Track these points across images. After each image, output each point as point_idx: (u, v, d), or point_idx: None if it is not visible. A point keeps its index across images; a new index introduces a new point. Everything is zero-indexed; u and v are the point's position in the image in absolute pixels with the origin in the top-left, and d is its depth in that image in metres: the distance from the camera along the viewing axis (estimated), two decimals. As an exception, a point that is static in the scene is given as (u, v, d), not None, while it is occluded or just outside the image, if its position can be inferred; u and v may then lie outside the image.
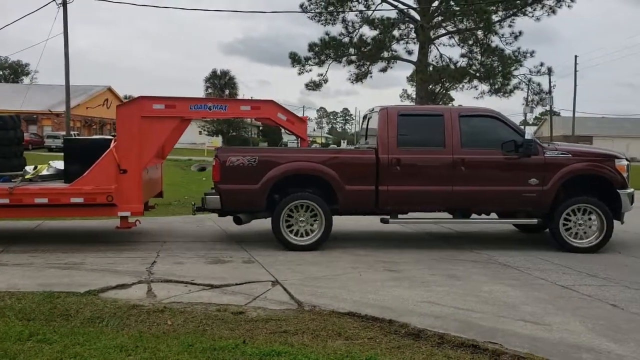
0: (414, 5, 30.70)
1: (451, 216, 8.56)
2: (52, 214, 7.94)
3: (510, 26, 29.60)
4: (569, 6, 27.82)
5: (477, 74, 31.11)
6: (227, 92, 62.14)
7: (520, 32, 29.72)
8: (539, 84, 33.24)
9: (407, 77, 46.79)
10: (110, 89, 61.64)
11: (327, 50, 30.83)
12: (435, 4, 30.02)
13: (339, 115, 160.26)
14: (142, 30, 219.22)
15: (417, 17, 30.54)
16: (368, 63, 32.16)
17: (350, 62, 31.81)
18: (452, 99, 53.18)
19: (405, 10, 30.90)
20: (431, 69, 30.76)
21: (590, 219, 8.02)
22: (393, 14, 30.92)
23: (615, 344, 4.32)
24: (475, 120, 8.28)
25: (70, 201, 7.26)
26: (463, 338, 4.33)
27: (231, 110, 8.40)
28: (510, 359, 3.96)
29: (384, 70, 32.72)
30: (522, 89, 32.90)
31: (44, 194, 7.26)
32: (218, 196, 7.81)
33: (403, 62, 32.32)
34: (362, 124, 9.71)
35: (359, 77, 32.28)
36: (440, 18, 30.52)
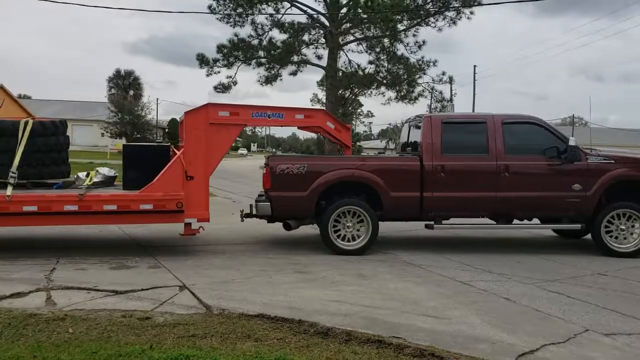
0: (323, 11, 31.20)
1: (494, 222, 8.65)
2: (117, 222, 7.66)
3: (414, 35, 30.79)
4: (468, 18, 29.31)
5: (384, 81, 32.09)
6: (131, 92, 60.03)
7: (424, 42, 31.00)
8: (441, 92, 34.82)
9: (318, 82, 47.34)
10: (2, 87, 57.60)
11: (236, 52, 30.60)
12: (344, 11, 30.67)
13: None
14: (40, 27, 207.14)
15: (327, 23, 31.06)
16: (278, 66, 32.25)
17: (259, 65, 31.76)
18: (361, 105, 54.62)
19: (315, 15, 31.33)
20: (340, 74, 31.35)
21: (633, 225, 8.15)
22: (303, 18, 31.30)
23: (507, 334, 4.63)
24: (518, 127, 8.45)
25: (139, 208, 7.14)
26: (369, 334, 4.47)
27: (287, 119, 8.36)
28: (412, 351, 4.14)
29: (293, 73, 32.95)
30: (425, 97, 34.35)
31: (114, 201, 7.11)
32: (268, 203, 7.95)
33: (313, 66, 32.71)
34: (402, 131, 9.91)
35: (269, 80, 32.30)
36: (348, 25, 31.20)
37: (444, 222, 8.39)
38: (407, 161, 8.44)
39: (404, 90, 32.28)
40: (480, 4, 28.92)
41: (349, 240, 8.01)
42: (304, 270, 6.83)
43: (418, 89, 32.78)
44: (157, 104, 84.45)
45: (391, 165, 8.39)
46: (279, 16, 30.52)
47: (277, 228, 8.80)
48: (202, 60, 30.27)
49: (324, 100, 50.21)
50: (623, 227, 8.15)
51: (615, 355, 4.24)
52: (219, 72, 31.08)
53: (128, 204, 7.14)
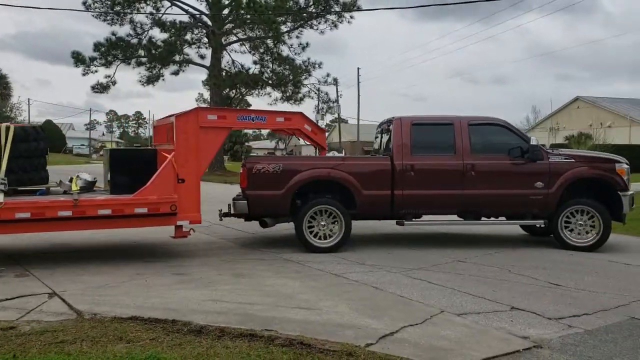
0: (206, 11, 30.88)
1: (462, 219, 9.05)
2: (111, 226, 7.42)
3: (298, 37, 31.41)
4: (349, 22, 30.38)
5: (270, 81, 32.39)
6: (-2, 92, 55.48)
7: (307, 44, 31.75)
8: (327, 93, 35.82)
9: (203, 81, 46.60)
10: None
11: (114, 51, 29.48)
12: (226, 11, 30.56)
13: (131, 118, 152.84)
14: None
15: (209, 22, 30.77)
16: (159, 66, 31.48)
17: (140, 64, 30.83)
18: (248, 104, 54.50)
19: (198, 15, 30.91)
20: (225, 74, 31.19)
21: (592, 221, 8.50)
22: (185, 17, 30.75)
23: (372, 320, 5.00)
24: (483, 128, 8.81)
25: (134, 212, 7.10)
26: (242, 329, 4.63)
27: (269, 122, 8.59)
28: (282, 342, 4.35)
29: (175, 73, 32.32)
30: (312, 98, 35.10)
31: (108, 205, 7.04)
32: (245, 201, 8.23)
33: (197, 66, 32.25)
34: (376, 133, 10.11)
35: (151, 80, 31.46)
36: (231, 25, 31.14)
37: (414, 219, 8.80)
38: (378, 161, 8.80)
39: (290, 91, 32.79)
40: (359, 9, 30.04)
41: (322, 238, 8.31)
42: (181, 272, 6.85)
43: (304, 90, 33.46)
44: (28, 104, 78.60)
45: (363, 165, 8.70)
46: (160, 15, 29.81)
47: (157, 231, 8.70)
48: (78, 59, 28.84)
49: (210, 100, 49.55)
50: (581, 223, 8.58)
51: (464, 332, 4.73)
52: (96, 71, 29.83)
53: (122, 208, 7.10)
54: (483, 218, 9.10)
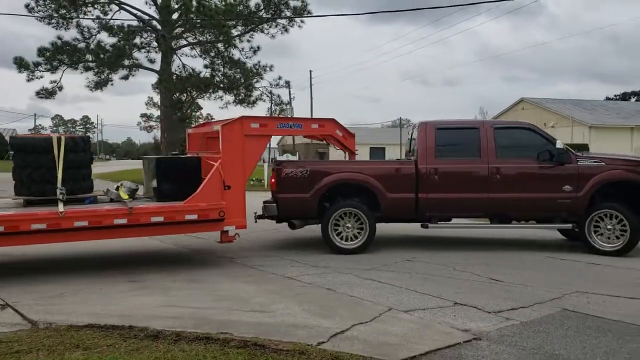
0: (155, 15, 30.52)
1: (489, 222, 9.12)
2: (163, 232, 7.74)
3: (249, 41, 31.35)
4: (299, 26, 30.57)
5: (221, 85, 32.24)
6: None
7: (258, 47, 31.66)
8: (279, 96, 35.87)
9: (153, 85, 45.94)
10: None
11: (60, 56, 28.73)
12: (176, 15, 30.29)
13: (78, 123, 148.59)
14: None
15: (159, 26, 30.42)
16: (108, 70, 30.88)
17: (88, 69, 30.14)
18: (200, 107, 54.16)
19: (147, 19, 30.52)
20: (175, 78, 30.88)
21: (622, 225, 8.35)
22: (133, 21, 30.29)
23: (324, 320, 5.22)
24: (510, 131, 8.92)
25: (185, 218, 7.31)
26: (198, 333, 4.78)
27: (305, 128, 8.87)
28: (237, 343, 4.53)
29: (125, 78, 31.73)
30: (265, 100, 35.12)
31: (161, 213, 7.24)
32: (275, 204, 8.64)
33: (146, 70, 31.82)
34: (408, 137, 10.19)
35: (99, 85, 30.78)
36: (181, 29, 30.87)
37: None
38: (402, 165, 9.03)
39: (242, 94, 32.72)
40: (310, 14, 30.30)
41: (347, 240, 8.57)
42: (137, 280, 6.91)
43: (256, 93, 33.41)
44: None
45: (388, 169, 8.97)
46: (107, 19, 29.27)
47: (117, 241, 8.69)
48: (21, 64, 27.94)
49: (160, 105, 48.89)
50: (610, 227, 8.47)
51: (410, 327, 5.02)
52: (41, 76, 28.93)
53: (174, 215, 7.30)
54: (513, 222, 9.14)
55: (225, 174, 7.66)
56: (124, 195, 7.69)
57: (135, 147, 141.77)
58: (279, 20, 30.78)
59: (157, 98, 58.84)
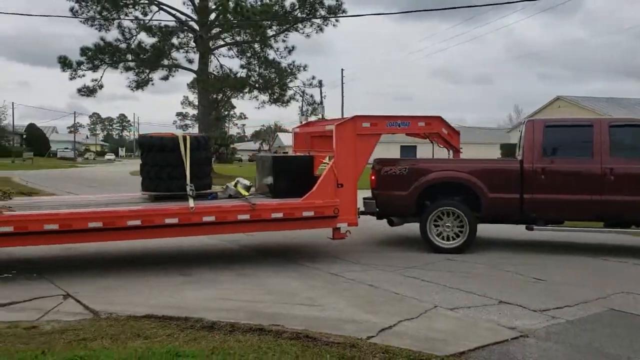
0: (193, 16, 31.08)
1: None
2: (280, 228, 7.98)
3: (284, 41, 31.70)
4: (334, 25, 30.74)
5: (257, 85, 32.65)
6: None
7: (293, 47, 32.02)
8: (311, 95, 36.12)
9: (188, 84, 46.78)
10: None
11: (101, 55, 29.55)
12: (213, 16, 30.78)
13: (115, 121, 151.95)
14: None
15: (196, 27, 30.98)
16: (148, 70, 31.62)
17: (128, 69, 30.92)
18: (233, 107, 54.91)
19: (185, 20, 31.11)
20: (212, 78, 31.40)
21: None
22: (172, 22, 30.90)
23: (370, 315, 5.36)
24: (627, 129, 8.57)
25: (302, 215, 7.61)
26: (251, 324, 4.97)
27: (412, 126, 8.86)
28: (290, 335, 4.70)
29: (165, 78, 32.45)
30: (297, 100, 35.42)
31: (281, 209, 7.55)
32: (374, 201, 8.80)
33: (185, 70, 32.43)
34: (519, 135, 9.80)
35: (140, 85, 31.55)
36: (218, 30, 31.36)
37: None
38: (506, 163, 8.91)
39: (277, 94, 33.08)
40: (345, 13, 30.42)
41: (446, 239, 8.52)
42: (188, 273, 7.15)
43: (289, 92, 33.74)
44: (12, 108, 77.78)
45: (491, 168, 8.77)
46: (147, 20, 29.96)
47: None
48: (65, 63, 28.86)
49: (196, 103, 49.63)
50: None
51: (457, 324, 5.13)
52: (83, 75, 29.85)
53: (292, 211, 7.60)
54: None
55: (339, 173, 7.87)
56: (244, 192, 8.05)
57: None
58: (314, 20, 30.96)
59: (192, 97, 59.98)
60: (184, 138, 7.82)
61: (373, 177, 8.92)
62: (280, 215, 7.55)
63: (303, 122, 10.66)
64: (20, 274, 6.99)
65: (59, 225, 6.62)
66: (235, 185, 8.29)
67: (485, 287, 6.49)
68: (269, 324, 4.99)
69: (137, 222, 6.92)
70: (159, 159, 7.81)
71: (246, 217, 7.37)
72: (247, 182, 8.49)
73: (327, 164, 8.12)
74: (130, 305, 5.60)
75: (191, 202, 7.25)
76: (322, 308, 5.60)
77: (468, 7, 26.59)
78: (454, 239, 8.55)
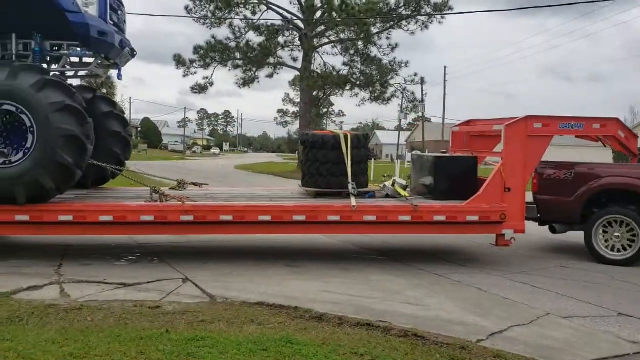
0: (299, 15, 31.75)
1: None
2: (442, 231, 7.83)
3: (387, 38, 31.55)
4: (440, 22, 30.18)
5: (358, 82, 32.79)
6: (104, 91, 59.46)
7: (396, 44, 31.79)
8: (412, 93, 35.65)
9: (290, 82, 47.94)
10: None
11: (212, 54, 30.94)
12: (319, 14, 31.27)
13: (220, 117, 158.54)
14: None
15: (302, 25, 31.62)
16: (254, 68, 32.72)
17: (236, 67, 32.16)
18: (332, 104, 55.43)
19: (290, 18, 31.85)
20: (316, 76, 31.91)
21: None
22: (278, 21, 31.78)
23: (480, 318, 5.27)
24: None
25: (466, 219, 7.29)
26: (359, 319, 5.05)
27: (586, 128, 8.23)
28: (398, 332, 4.73)
29: (270, 76, 33.43)
30: (398, 97, 35.16)
31: (443, 212, 7.28)
32: (535, 206, 8.34)
33: (289, 68, 33.22)
34: None
35: (247, 82, 32.74)
36: (323, 27, 31.81)
37: None
38: None
39: (378, 91, 33.03)
40: (451, 10, 29.78)
41: (616, 250, 7.96)
42: (294, 265, 7.38)
43: (390, 89, 33.57)
44: (130, 103, 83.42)
45: None
46: (256, 20, 31.00)
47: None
48: (179, 61, 30.53)
49: (297, 101, 50.66)
50: None
51: (572, 334, 4.92)
52: (195, 72, 31.42)
53: (456, 215, 7.30)
54: None
55: (507, 176, 7.48)
56: (403, 192, 7.88)
57: (270, 141, 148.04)
58: (419, 17, 30.57)
59: (293, 94, 61.28)
60: (345, 136, 7.83)
61: (535, 181, 8.46)
62: (442, 218, 7.26)
63: (462, 121, 9.80)
64: (143, 258, 7.54)
65: (234, 216, 6.90)
66: (393, 185, 8.15)
67: (602, 297, 6.17)
68: (376, 320, 5.04)
69: (302, 218, 7.04)
70: (320, 156, 7.86)
71: (407, 218, 7.19)
72: (403, 182, 8.35)
73: (491, 164, 7.75)
74: (243, 292, 5.88)
75: (353, 201, 7.23)
76: (428, 308, 5.58)
77: (585, 2, 24.81)
78: (623, 251, 7.92)
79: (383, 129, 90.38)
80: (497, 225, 7.40)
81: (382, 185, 8.46)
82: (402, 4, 30.31)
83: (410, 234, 8.03)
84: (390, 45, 31.78)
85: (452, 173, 8.05)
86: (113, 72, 7.87)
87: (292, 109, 73.25)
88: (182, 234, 7.41)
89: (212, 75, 32.34)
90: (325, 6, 30.12)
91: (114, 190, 8.67)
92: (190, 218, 6.79)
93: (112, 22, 7.01)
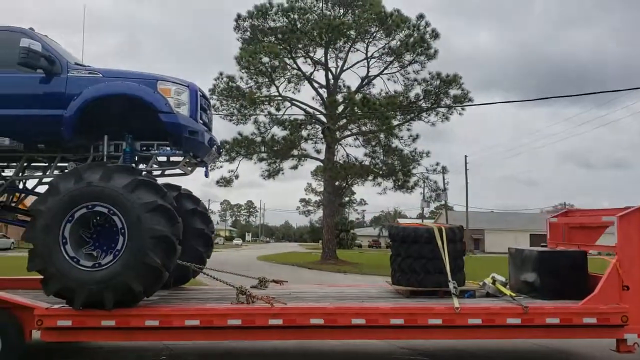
0: (321, 109, 32.70)
1: None
2: (556, 336, 6.97)
3: (408, 129, 32.25)
4: (460, 114, 30.89)
5: (380, 172, 33.15)
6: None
7: (417, 135, 32.50)
8: (435, 182, 35.90)
9: (312, 172, 48.62)
10: None
11: (238, 148, 31.60)
12: (341, 108, 32.18)
13: (242, 207, 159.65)
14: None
15: (324, 119, 32.46)
16: (279, 160, 33.30)
17: (261, 160, 32.76)
18: (353, 193, 55.87)
19: (313, 113, 32.78)
20: (338, 167, 32.34)
21: None
22: (301, 115, 32.72)
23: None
24: None
25: (582, 322, 6.56)
26: None
27: None
28: None
29: (294, 167, 33.96)
30: (420, 186, 35.39)
31: (556, 314, 6.57)
32: None
33: (314, 159, 33.82)
34: None
35: (271, 174, 33.25)
36: (345, 121, 32.62)
37: None
38: None
39: (400, 180, 33.27)
40: (470, 101, 30.56)
41: None
42: None
43: (413, 178, 33.83)
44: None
45: None
46: (280, 114, 31.93)
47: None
48: (206, 156, 31.10)
49: (319, 190, 51.03)
50: None
51: None
52: (221, 167, 31.94)
53: (571, 317, 6.57)
54: None
55: (624, 273, 6.76)
56: (507, 292, 7.26)
57: (292, 229, 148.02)
58: (438, 109, 31.34)
59: (315, 184, 61.99)
60: (439, 229, 7.40)
61: None
62: (556, 321, 6.52)
63: (559, 211, 8.99)
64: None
65: (324, 319, 6.34)
66: (493, 283, 7.57)
67: None
68: None
69: (400, 321, 6.41)
70: (412, 251, 7.41)
71: (516, 321, 6.48)
72: (502, 278, 7.75)
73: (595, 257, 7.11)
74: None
75: (456, 302, 6.59)
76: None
77: (601, 92, 25.38)
78: None
79: (405, 217, 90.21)
80: (617, 329, 6.62)
81: (481, 283, 7.86)
82: (421, 97, 31.21)
83: (518, 338, 7.16)
84: (411, 136, 32.49)
85: (559, 269, 7.39)
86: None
87: (314, 198, 74.02)
88: (270, 339, 6.93)
89: (237, 168, 32.87)
90: (347, 101, 31.04)
91: (196, 290, 8.39)
92: (279, 322, 6.30)
93: (201, 122, 7.11)
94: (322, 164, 34.06)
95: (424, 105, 31.56)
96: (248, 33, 31.89)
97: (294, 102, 32.23)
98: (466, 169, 50.65)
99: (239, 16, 31.55)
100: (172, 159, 7.54)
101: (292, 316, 6.36)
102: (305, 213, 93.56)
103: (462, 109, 31.00)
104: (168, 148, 6.96)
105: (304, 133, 33.29)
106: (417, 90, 31.22)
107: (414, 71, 31.25)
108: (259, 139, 31.68)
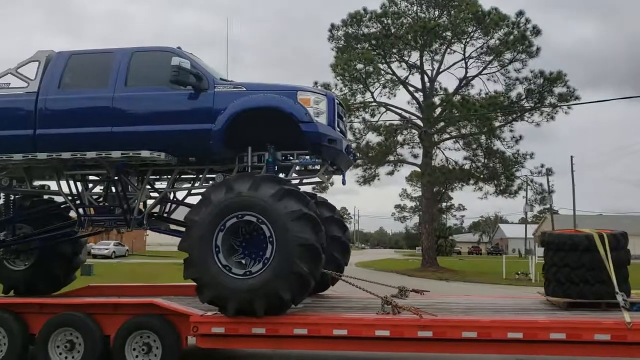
0: (417, 113, 32.24)
1: None
2: None
3: (511, 131, 30.93)
4: (566, 112, 29.33)
5: (481, 176, 32.08)
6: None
7: (520, 136, 31.03)
8: (540, 184, 34.21)
9: (406, 177, 47.98)
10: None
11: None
12: (438, 111, 31.54)
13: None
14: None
15: (420, 123, 31.94)
16: (374, 166, 33.14)
17: (357, 166, 32.72)
18: (450, 198, 54.54)
19: (409, 117, 32.38)
20: (437, 171, 31.67)
21: None
22: (396, 120, 32.40)
23: None
24: None
25: None
26: None
27: None
28: None
29: (390, 173, 33.71)
30: (524, 189, 33.83)
31: None
32: None
33: (410, 164, 33.38)
34: None
35: (367, 180, 33.15)
36: (442, 124, 31.92)
37: None
38: None
39: (503, 184, 32.03)
40: (578, 99, 29.00)
41: None
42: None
43: (517, 182, 32.42)
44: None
45: None
46: (375, 120, 31.78)
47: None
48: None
49: (413, 195, 50.39)
50: None
51: None
52: (316, 173, 32.21)
53: None
54: None
55: None
56: None
57: (386, 236, 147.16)
58: (543, 109, 29.94)
59: (410, 189, 61.31)
60: (601, 236, 6.86)
61: None
62: None
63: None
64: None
65: (478, 333, 5.98)
66: None
67: None
68: None
69: (561, 336, 5.87)
70: (570, 259, 6.91)
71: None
72: None
73: None
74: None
75: (627, 316, 5.94)
76: None
77: None
78: None
79: (506, 222, 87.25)
80: None
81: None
82: (524, 97, 29.96)
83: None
84: (513, 137, 31.15)
85: None
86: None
87: (410, 203, 73.16)
88: (418, 351, 6.69)
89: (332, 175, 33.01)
90: (445, 104, 30.39)
91: (338, 299, 8.37)
92: (428, 334, 6.01)
93: (338, 129, 7.13)
94: (418, 169, 33.53)
95: (526, 105, 30.29)
96: (342, 41, 32.06)
97: (389, 107, 32.02)
98: (572, 170, 47.96)
99: (332, 26, 31.83)
100: (309, 167, 7.62)
101: (443, 328, 6.06)
102: (401, 219, 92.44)
103: (569, 108, 29.41)
104: (307, 157, 7.03)
105: (400, 138, 32.96)
106: (519, 89, 29.99)
107: (515, 70, 30.07)
108: (354, 145, 31.68)
